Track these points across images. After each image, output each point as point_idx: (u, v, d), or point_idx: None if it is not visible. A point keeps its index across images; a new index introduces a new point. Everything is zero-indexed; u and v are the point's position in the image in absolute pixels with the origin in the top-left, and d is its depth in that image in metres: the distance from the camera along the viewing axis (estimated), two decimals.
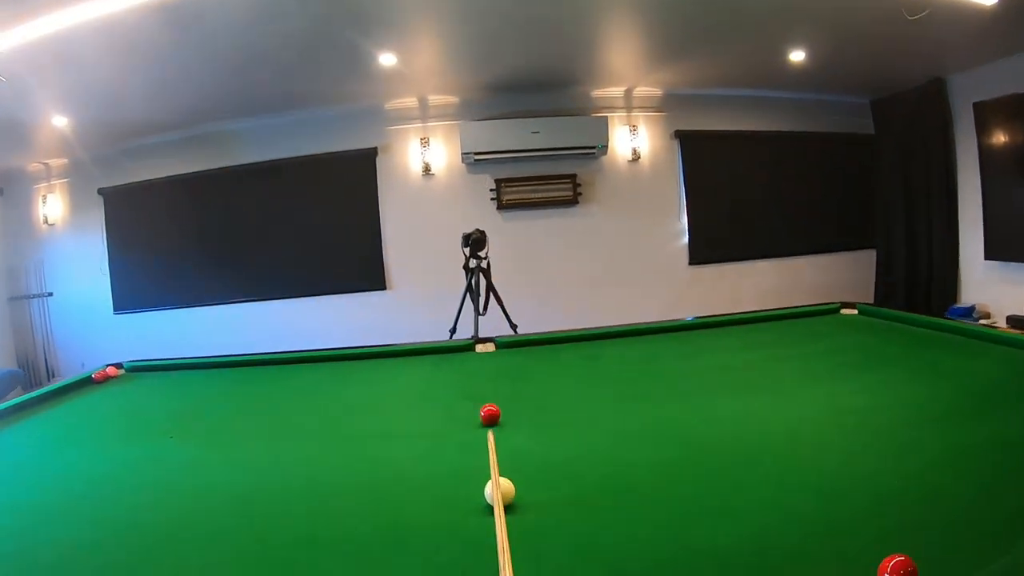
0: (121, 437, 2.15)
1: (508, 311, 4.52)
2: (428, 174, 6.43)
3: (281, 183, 6.45)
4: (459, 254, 4.69)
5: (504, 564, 1.02)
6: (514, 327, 4.35)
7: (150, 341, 6.20)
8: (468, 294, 4.58)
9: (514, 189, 6.43)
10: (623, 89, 6.48)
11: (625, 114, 6.54)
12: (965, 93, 5.78)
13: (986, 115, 5.54)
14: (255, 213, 6.51)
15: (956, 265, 6.10)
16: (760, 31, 4.93)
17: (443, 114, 6.44)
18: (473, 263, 4.57)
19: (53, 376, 6.53)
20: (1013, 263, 5.49)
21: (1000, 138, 5.44)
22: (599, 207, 6.56)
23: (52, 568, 1.22)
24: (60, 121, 5.45)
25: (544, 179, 6.44)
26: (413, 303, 6.37)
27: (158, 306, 6.55)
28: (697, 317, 3.42)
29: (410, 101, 6.39)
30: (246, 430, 2.15)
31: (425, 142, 6.40)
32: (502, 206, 6.41)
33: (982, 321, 5.41)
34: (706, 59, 5.66)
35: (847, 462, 1.51)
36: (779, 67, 5.75)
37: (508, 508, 1.31)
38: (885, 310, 3.22)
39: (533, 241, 6.49)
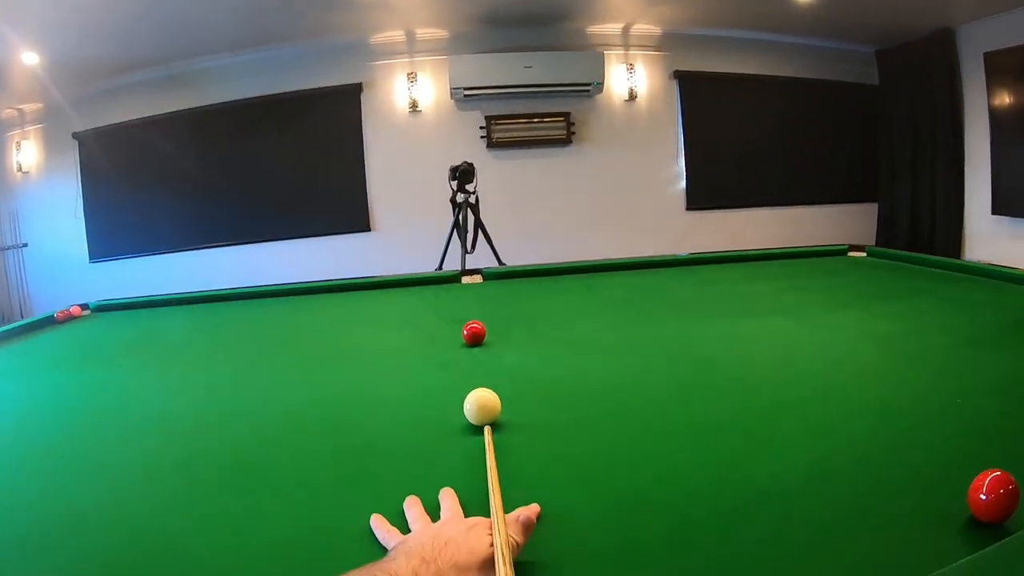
0: (74, 366, 1.96)
1: (497, 250, 4.29)
2: (415, 111, 6.15)
3: (260, 122, 6.15)
4: (446, 196, 4.46)
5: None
6: (503, 265, 4.12)
7: (127, 289, 5.85)
8: (455, 231, 4.35)
9: (505, 127, 6.17)
10: (620, 26, 6.17)
11: (622, 52, 6.25)
12: (975, 43, 5.53)
13: (997, 66, 5.30)
14: (234, 154, 6.22)
15: (961, 220, 5.90)
16: None
17: (431, 48, 6.13)
18: (461, 197, 4.34)
19: None
20: (1021, 219, 5.29)
21: (1011, 90, 5.22)
22: (593, 147, 6.30)
23: None
24: (31, 59, 5.15)
25: (536, 117, 6.18)
26: (398, 245, 6.12)
27: (135, 253, 6.26)
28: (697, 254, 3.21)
29: (396, 35, 6.07)
30: (213, 356, 1.99)
31: (412, 77, 6.11)
32: (492, 144, 6.15)
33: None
34: None
35: (896, 383, 1.31)
36: (784, 8, 5.49)
37: (494, 425, 1.13)
38: (895, 251, 3.01)
39: (524, 181, 6.25)
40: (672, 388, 1.38)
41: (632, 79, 6.23)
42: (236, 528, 0.86)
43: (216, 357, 1.95)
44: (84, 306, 2.80)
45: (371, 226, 6.25)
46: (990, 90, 5.38)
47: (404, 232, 6.16)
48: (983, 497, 0.74)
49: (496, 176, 5.84)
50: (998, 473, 0.75)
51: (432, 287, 2.79)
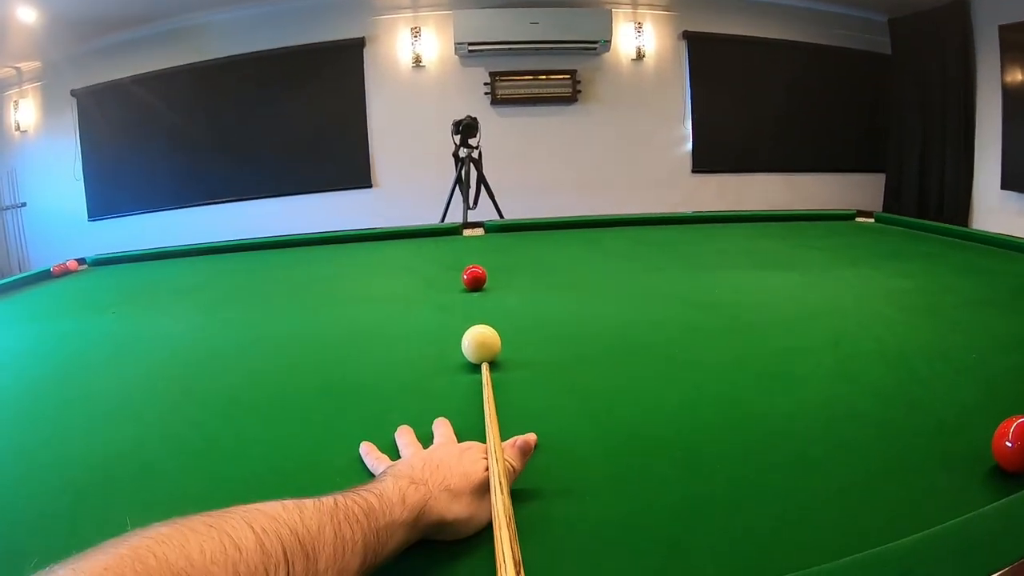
0: (66, 316, 1.91)
1: (499, 206, 4.24)
2: (419, 66, 6.06)
3: (262, 78, 6.07)
4: (449, 152, 4.40)
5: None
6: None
7: (126, 247, 5.82)
8: (457, 185, 4.29)
9: (509, 83, 6.09)
10: None
11: (631, 10, 6.15)
12: (990, 15, 5.40)
13: (1011, 39, 5.18)
14: (234, 110, 6.14)
15: (969, 193, 5.82)
16: None
17: (435, 2, 6.03)
18: (463, 152, 4.27)
19: None
20: None
21: None
22: (599, 106, 6.23)
23: None
24: (28, 15, 5.06)
25: (542, 74, 6.11)
26: (399, 201, 6.08)
27: (134, 210, 6.21)
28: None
29: None
30: (210, 303, 1.92)
31: (416, 32, 6.02)
32: (496, 101, 6.08)
33: None
34: None
35: (910, 335, 1.26)
36: None
37: (493, 364, 1.09)
38: (904, 218, 2.95)
39: (528, 138, 6.20)
40: (679, 330, 1.34)
41: (640, 38, 6.15)
42: (224, 459, 0.83)
43: (213, 304, 1.90)
44: (81, 260, 2.74)
45: (373, 182, 6.20)
46: (1004, 63, 5.27)
47: (406, 188, 6.11)
48: (1009, 444, 0.69)
49: (500, 133, 5.78)
50: None
51: (433, 239, 2.74)
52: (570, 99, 6.16)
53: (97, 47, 5.94)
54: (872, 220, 2.99)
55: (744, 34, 6.29)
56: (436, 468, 0.62)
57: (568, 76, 6.12)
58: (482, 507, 0.61)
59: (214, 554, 0.38)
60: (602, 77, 6.20)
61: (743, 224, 2.93)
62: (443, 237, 2.78)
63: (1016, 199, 5.34)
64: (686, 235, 2.68)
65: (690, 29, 6.23)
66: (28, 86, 6.18)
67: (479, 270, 1.70)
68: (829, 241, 2.45)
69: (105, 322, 1.70)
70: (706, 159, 6.40)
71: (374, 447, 0.77)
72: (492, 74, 6.07)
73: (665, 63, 6.28)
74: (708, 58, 6.30)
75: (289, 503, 0.48)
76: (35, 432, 0.96)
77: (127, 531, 0.39)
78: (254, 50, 6.00)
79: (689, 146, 6.39)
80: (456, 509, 0.59)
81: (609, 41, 5.90)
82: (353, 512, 0.50)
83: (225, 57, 6.02)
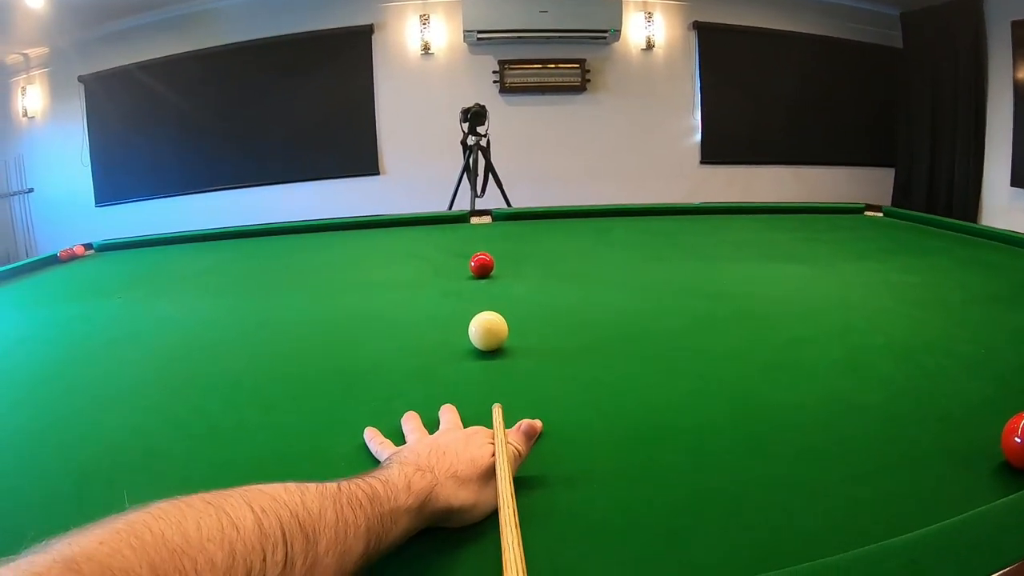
0: (73, 300, 1.92)
1: (507, 195, 4.23)
2: (427, 54, 6.03)
3: (270, 64, 6.04)
4: (457, 140, 4.38)
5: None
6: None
7: (134, 232, 5.83)
8: (465, 173, 4.28)
9: (518, 72, 6.06)
10: None
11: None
12: (1002, 11, 5.35)
13: None
14: (241, 96, 6.12)
15: (979, 190, 5.77)
16: None
17: None
18: (472, 140, 4.25)
19: None
20: None
21: None
22: (608, 96, 6.20)
23: None
24: (35, 1, 5.03)
25: (551, 62, 6.07)
26: (407, 189, 6.06)
27: (141, 196, 6.20)
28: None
29: None
30: (216, 288, 1.92)
31: (425, 19, 5.99)
32: (505, 89, 6.05)
33: None
34: None
35: (917, 329, 1.25)
36: None
37: (500, 351, 1.09)
38: (913, 212, 2.93)
39: (537, 127, 6.17)
40: (687, 320, 1.34)
41: (650, 28, 6.11)
42: (229, 444, 0.83)
43: (219, 289, 1.90)
44: (88, 246, 2.74)
45: (380, 169, 6.18)
46: (1016, 60, 5.23)
47: (413, 175, 6.09)
48: (1018, 440, 0.68)
49: (508, 121, 5.74)
50: None
51: (440, 226, 2.73)
52: (579, 88, 6.12)
53: (104, 33, 5.92)
54: (881, 214, 2.97)
55: (754, 25, 6.23)
56: (443, 455, 0.61)
57: (577, 65, 6.08)
58: (487, 494, 0.61)
59: (211, 531, 0.38)
60: (611, 67, 6.17)
61: (751, 216, 2.91)
62: (450, 225, 2.77)
63: None
64: (694, 226, 2.67)
65: (700, 19, 6.17)
66: (35, 72, 6.17)
67: (486, 258, 1.70)
68: (837, 234, 2.44)
69: (111, 307, 1.70)
70: (715, 150, 6.37)
71: (378, 432, 0.77)
72: (501, 62, 6.04)
73: (675, 53, 6.24)
74: (718, 49, 6.25)
75: (291, 485, 0.47)
76: (41, 416, 0.96)
77: (126, 508, 0.38)
78: (262, 36, 5.97)
79: (698, 137, 6.35)
80: (463, 495, 0.59)
81: (619, 30, 5.85)
82: (357, 497, 0.50)
83: (233, 43, 5.99)
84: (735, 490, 0.67)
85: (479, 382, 0.94)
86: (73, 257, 2.57)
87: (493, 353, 1.09)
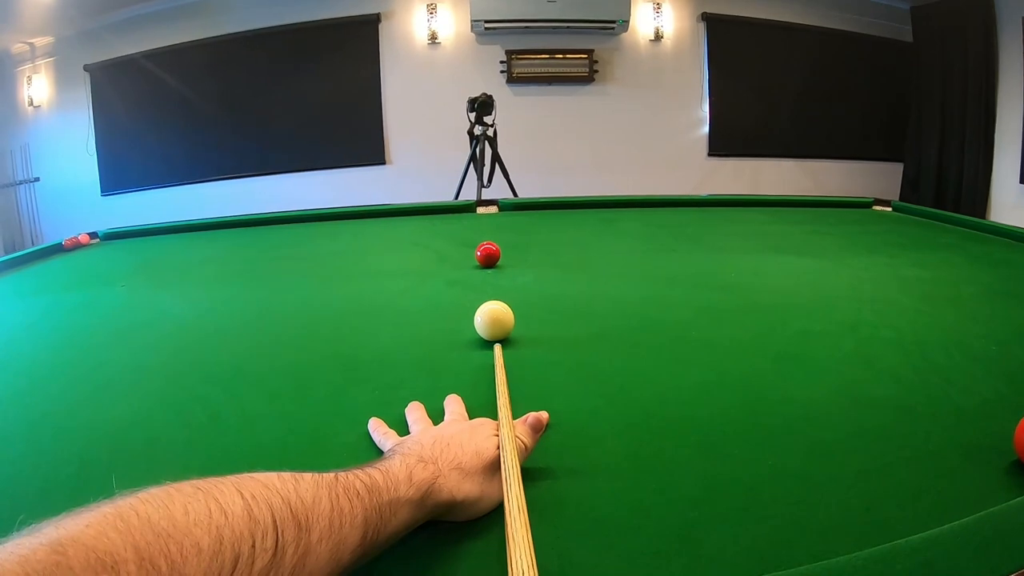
0: (77, 288, 1.91)
1: (514, 185, 4.22)
2: (434, 43, 6.01)
3: (276, 53, 6.03)
4: (463, 130, 4.37)
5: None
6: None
7: (139, 222, 5.83)
8: (472, 164, 4.27)
9: (526, 62, 6.04)
10: None
11: None
12: (1014, 6, 5.30)
13: None
14: (248, 86, 6.12)
15: (988, 187, 5.74)
16: None
17: None
18: (479, 130, 4.24)
19: None
20: None
21: None
22: (616, 87, 6.17)
23: None
24: None
25: (559, 53, 6.05)
26: (413, 178, 6.06)
27: (147, 185, 6.21)
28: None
29: None
30: (221, 276, 1.92)
31: (432, 9, 5.96)
32: (512, 79, 6.03)
33: None
34: None
35: (928, 324, 1.24)
36: None
37: (506, 341, 1.08)
38: (923, 208, 2.91)
39: (544, 118, 6.15)
40: (695, 311, 1.33)
41: (659, 19, 6.08)
42: (231, 432, 0.82)
43: (223, 278, 1.89)
44: (93, 234, 2.74)
45: (387, 158, 6.17)
46: None
47: (420, 165, 6.09)
48: None
49: (515, 111, 5.74)
50: None
51: (446, 216, 2.73)
52: (587, 79, 6.10)
53: (110, 22, 5.91)
54: (889, 209, 2.95)
55: (764, 17, 6.20)
56: (447, 446, 0.60)
57: (585, 56, 6.05)
58: (492, 486, 0.60)
59: (198, 516, 0.38)
60: (619, 58, 6.14)
61: (758, 208, 2.90)
62: (457, 214, 2.76)
63: None
64: (701, 218, 2.66)
65: (709, 11, 6.14)
66: (41, 61, 6.16)
67: (493, 247, 1.69)
68: (845, 228, 2.42)
69: (114, 295, 1.69)
70: (722, 142, 6.34)
71: (382, 423, 0.76)
72: (508, 52, 6.02)
73: (683, 45, 6.21)
74: (727, 41, 6.22)
75: (286, 474, 0.47)
76: (42, 403, 0.95)
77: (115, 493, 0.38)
78: (269, 25, 5.96)
79: (706, 129, 6.33)
80: (466, 488, 0.58)
81: (627, 21, 5.82)
82: (354, 487, 0.49)
83: (239, 32, 5.99)
84: (746, 483, 0.66)
85: (484, 372, 0.93)
86: (78, 246, 2.56)
87: (499, 343, 1.08)
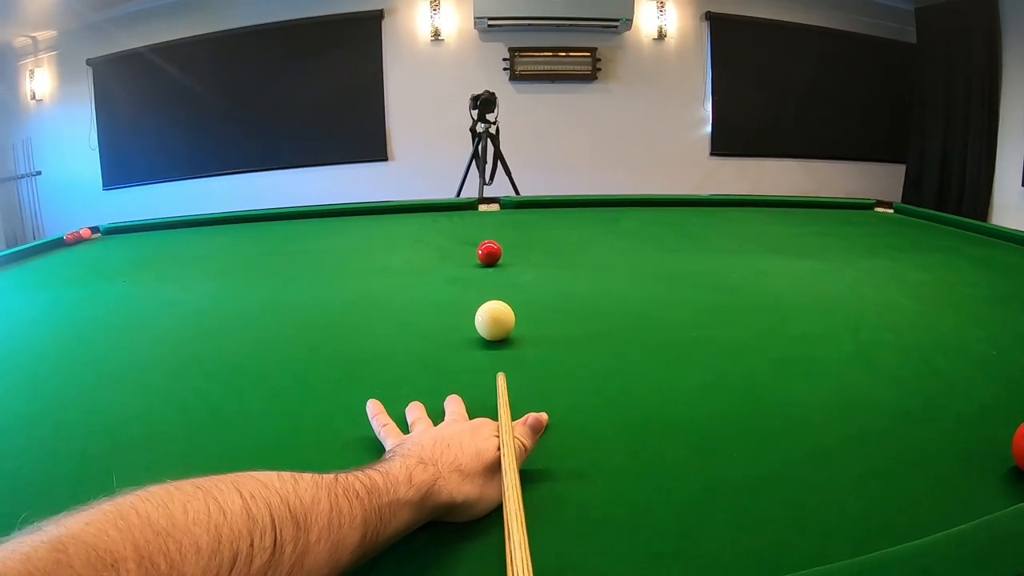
0: (78, 283, 1.91)
1: (516, 183, 4.21)
2: (437, 39, 6.02)
3: (279, 49, 6.04)
4: (466, 127, 4.37)
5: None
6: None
7: (141, 216, 5.82)
8: (474, 161, 4.27)
9: (529, 59, 6.04)
10: None
11: None
12: (1018, 7, 5.32)
13: None
14: (250, 81, 6.12)
15: (990, 189, 5.74)
16: None
17: None
18: (481, 127, 4.24)
19: None
20: None
21: None
22: (619, 85, 6.18)
23: None
24: None
25: (562, 51, 6.05)
26: (415, 175, 6.07)
27: (149, 180, 6.21)
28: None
29: None
30: (222, 272, 1.91)
31: (435, 5, 5.97)
32: (515, 77, 6.04)
33: None
34: None
35: (929, 327, 1.24)
36: None
37: (507, 341, 1.09)
38: (924, 210, 2.91)
39: (546, 115, 6.16)
40: (696, 312, 1.33)
41: (662, 18, 6.09)
42: (231, 429, 0.82)
43: (224, 273, 1.89)
44: (94, 229, 2.74)
45: (389, 155, 6.17)
46: None
47: (422, 162, 6.10)
48: None
49: (518, 109, 5.74)
50: None
51: (448, 213, 2.73)
52: (590, 77, 6.10)
53: (113, 16, 5.91)
54: (891, 211, 2.94)
55: (767, 17, 6.21)
56: (447, 447, 0.60)
57: (588, 54, 6.06)
58: (492, 487, 0.60)
59: (197, 515, 0.38)
60: (622, 56, 6.14)
61: (760, 209, 2.90)
62: (458, 212, 2.76)
63: None
64: (703, 217, 2.66)
65: (713, 10, 6.15)
66: (44, 55, 6.15)
67: (494, 245, 1.69)
68: (847, 230, 2.42)
69: (115, 290, 1.69)
70: (725, 142, 6.34)
71: (382, 409, 0.76)
72: (511, 50, 6.02)
73: (686, 44, 6.21)
74: (730, 40, 6.23)
75: (286, 474, 0.47)
76: (42, 398, 0.95)
77: (115, 491, 0.38)
78: (272, 21, 5.96)
79: (708, 128, 6.33)
80: (466, 490, 0.58)
81: (630, 20, 5.82)
82: (354, 488, 0.49)
83: (243, 27, 5.99)
84: (746, 486, 0.66)
85: (485, 372, 0.93)
86: (79, 240, 2.56)
87: (499, 342, 1.08)
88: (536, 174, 5.20)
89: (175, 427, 0.83)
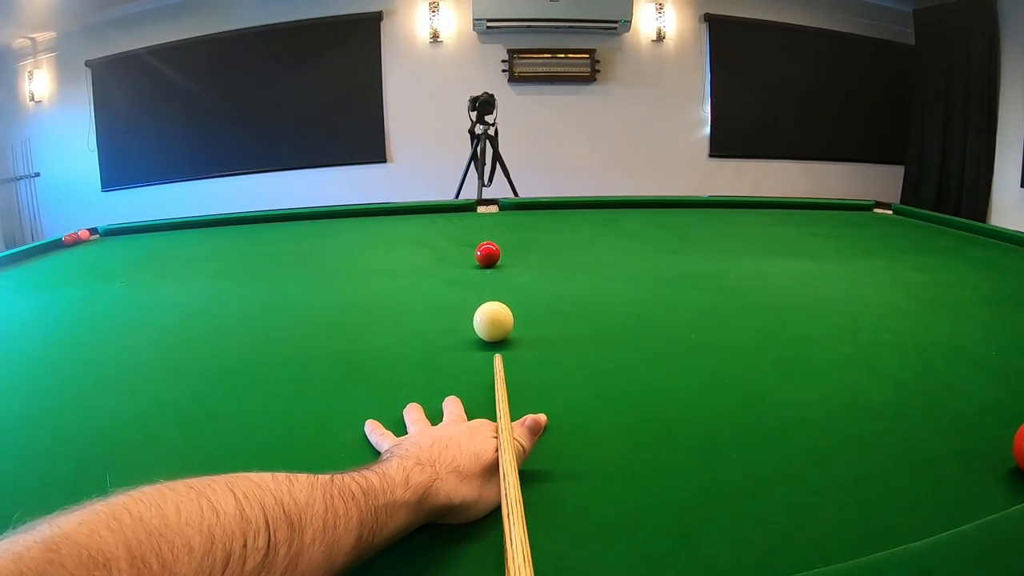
0: (76, 284, 1.91)
1: (515, 184, 4.22)
2: (436, 41, 6.01)
3: (278, 50, 6.03)
4: (464, 129, 4.37)
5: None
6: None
7: (140, 217, 5.83)
8: (473, 163, 4.27)
9: (528, 61, 6.04)
10: None
11: None
12: (1017, 8, 5.31)
13: None
14: (249, 82, 6.11)
15: (988, 191, 5.73)
16: None
17: None
18: (480, 129, 4.24)
19: None
20: None
21: None
22: (618, 87, 6.17)
23: None
24: None
25: (561, 52, 6.04)
26: (414, 177, 6.06)
27: (148, 181, 6.20)
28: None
29: None
30: (220, 273, 1.91)
31: (434, 7, 5.96)
32: (514, 79, 6.03)
33: None
34: None
35: (928, 328, 1.24)
36: None
37: (506, 342, 1.08)
38: (923, 211, 2.90)
39: (545, 117, 6.15)
40: (695, 313, 1.33)
41: (661, 19, 6.08)
42: (229, 431, 0.81)
43: (223, 275, 1.88)
44: (93, 230, 2.73)
45: (388, 157, 6.17)
46: None
47: (421, 163, 6.09)
48: None
49: (516, 111, 5.74)
50: None
51: (447, 215, 2.72)
52: (588, 79, 6.09)
53: (112, 18, 5.90)
54: (890, 212, 2.94)
55: (766, 19, 6.20)
56: (445, 448, 0.60)
57: (587, 56, 6.05)
58: (490, 489, 0.60)
59: (190, 515, 0.38)
60: (621, 58, 6.14)
61: (759, 210, 2.90)
62: (457, 213, 2.76)
63: None
64: (702, 219, 2.66)
65: (711, 12, 6.14)
66: (43, 56, 6.14)
67: (493, 247, 1.69)
68: (846, 231, 2.42)
69: (114, 291, 1.69)
70: (724, 144, 6.34)
71: (379, 425, 0.76)
72: (510, 51, 6.01)
73: (685, 45, 6.21)
74: (729, 42, 6.22)
75: (280, 475, 0.47)
76: (40, 399, 0.95)
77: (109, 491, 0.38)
78: (271, 22, 5.95)
79: (707, 130, 6.32)
80: (464, 491, 0.58)
81: (629, 21, 5.82)
82: (350, 489, 0.49)
83: (242, 29, 5.98)
84: (745, 488, 0.65)
85: (483, 373, 0.93)
86: (78, 241, 2.55)
87: (498, 344, 1.07)
88: (535, 176, 5.20)
89: (173, 428, 0.82)
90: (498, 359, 0.87)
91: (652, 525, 0.59)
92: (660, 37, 6.11)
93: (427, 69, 6.08)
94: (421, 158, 6.12)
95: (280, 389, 0.95)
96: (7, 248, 5.91)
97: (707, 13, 6.13)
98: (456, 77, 5.97)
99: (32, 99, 6.19)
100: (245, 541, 0.40)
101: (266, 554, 0.41)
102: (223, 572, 0.38)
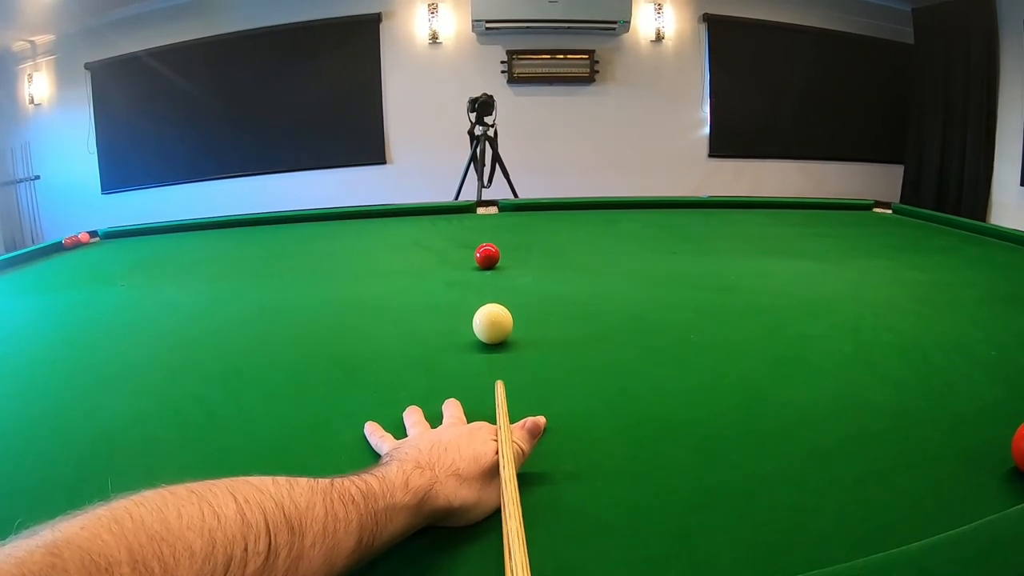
0: (76, 287, 1.92)
1: (514, 185, 4.22)
2: (435, 43, 6.02)
3: (276, 52, 6.03)
4: (464, 130, 4.37)
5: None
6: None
7: (140, 220, 5.81)
8: (472, 164, 4.27)
9: (527, 62, 6.04)
10: None
11: None
12: (1016, 7, 5.30)
13: None
14: (249, 84, 6.12)
15: (988, 190, 5.73)
16: None
17: None
18: (479, 130, 4.24)
19: None
20: None
21: None
22: (617, 87, 6.18)
23: None
24: None
25: (560, 53, 6.05)
26: (413, 178, 6.06)
27: (148, 184, 6.21)
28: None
29: None
30: (220, 275, 1.91)
31: (433, 8, 5.97)
32: (513, 79, 6.04)
33: None
34: None
35: (928, 327, 1.23)
36: None
37: (505, 344, 1.08)
38: (923, 210, 2.90)
39: (544, 118, 6.16)
40: (694, 313, 1.33)
41: (660, 20, 6.08)
42: (228, 433, 0.81)
43: (223, 277, 1.89)
44: (93, 233, 2.73)
45: (387, 158, 6.18)
46: None
47: (420, 165, 6.10)
48: None
49: (516, 111, 5.75)
50: None
51: (446, 216, 2.72)
52: (588, 79, 6.10)
53: (111, 20, 5.91)
54: (890, 211, 2.94)
55: (765, 19, 6.20)
56: (444, 451, 0.60)
57: (586, 56, 6.06)
58: (490, 492, 0.60)
59: (191, 519, 0.38)
60: (620, 58, 6.14)
61: (759, 210, 2.89)
62: (456, 215, 2.76)
63: None
64: (701, 219, 2.66)
65: (710, 12, 6.14)
66: (42, 59, 6.15)
67: (492, 248, 1.69)
68: (846, 231, 2.42)
69: (113, 294, 1.69)
70: (723, 144, 6.34)
71: (379, 427, 0.76)
72: (509, 52, 6.02)
73: (684, 45, 6.21)
74: (728, 42, 6.22)
75: (281, 479, 0.47)
76: (39, 402, 0.95)
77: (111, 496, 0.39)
78: (270, 24, 5.96)
79: (706, 130, 6.33)
80: (464, 494, 0.57)
81: (628, 22, 5.82)
82: (350, 493, 0.49)
83: (241, 31, 5.99)
84: (745, 488, 0.65)
85: (483, 375, 0.93)
86: (78, 244, 2.55)
87: (498, 345, 1.07)
88: (534, 177, 5.20)
89: (172, 431, 0.82)
90: (500, 386, 0.83)
91: (652, 525, 0.59)
92: (659, 37, 6.12)
93: (426, 70, 6.08)
94: (421, 159, 6.12)
95: (280, 390, 0.95)
96: (7, 251, 5.91)
97: (706, 13, 6.13)
98: (455, 78, 5.98)
99: (32, 102, 6.20)
100: (246, 545, 0.40)
101: (267, 558, 0.41)
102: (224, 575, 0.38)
